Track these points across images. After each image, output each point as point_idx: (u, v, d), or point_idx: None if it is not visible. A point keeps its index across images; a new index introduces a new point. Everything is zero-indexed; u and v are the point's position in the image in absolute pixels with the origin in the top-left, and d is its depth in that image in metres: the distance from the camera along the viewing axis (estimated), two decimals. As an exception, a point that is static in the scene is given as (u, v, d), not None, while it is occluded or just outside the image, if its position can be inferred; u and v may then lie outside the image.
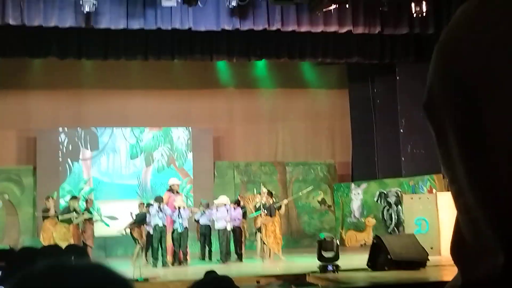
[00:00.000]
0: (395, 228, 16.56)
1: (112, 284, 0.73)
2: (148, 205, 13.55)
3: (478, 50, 0.67)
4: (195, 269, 12.13)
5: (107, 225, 14.36)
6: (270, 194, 13.63)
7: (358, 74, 18.21)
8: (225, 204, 13.37)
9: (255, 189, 15.41)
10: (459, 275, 0.75)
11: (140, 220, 13.12)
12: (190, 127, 18.12)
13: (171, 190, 13.48)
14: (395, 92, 16.69)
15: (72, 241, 12.55)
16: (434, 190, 13.93)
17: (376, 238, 10.45)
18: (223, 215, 13.20)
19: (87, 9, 12.39)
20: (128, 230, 13.33)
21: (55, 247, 1.78)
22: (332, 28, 14.15)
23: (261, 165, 18.34)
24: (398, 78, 16.60)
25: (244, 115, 18.86)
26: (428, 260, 10.08)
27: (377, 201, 17.21)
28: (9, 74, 17.13)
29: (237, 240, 13.44)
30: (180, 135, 18.08)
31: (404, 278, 8.91)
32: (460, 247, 0.75)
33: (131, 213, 13.80)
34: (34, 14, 12.86)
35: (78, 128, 17.60)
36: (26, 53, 14.95)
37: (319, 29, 14.14)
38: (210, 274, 7.08)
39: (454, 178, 0.72)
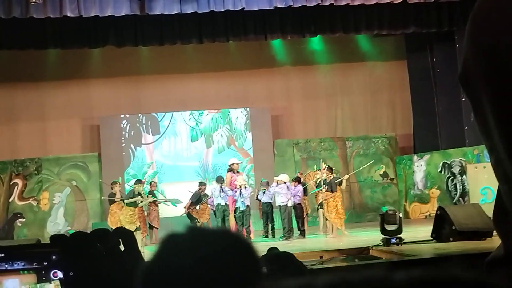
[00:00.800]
0: (460, 199, 16.26)
1: (240, 244, 0.83)
2: (201, 184, 13.76)
3: (509, 18, 0.66)
4: (259, 246, 12.25)
5: (175, 205, 14.66)
6: (330, 169, 13.59)
7: (416, 44, 17.84)
8: (285, 182, 13.44)
9: (315, 165, 15.39)
10: (502, 246, 0.75)
11: (196, 200, 13.35)
12: (248, 107, 18.22)
13: (231, 170, 13.63)
14: (455, 60, 16.28)
15: (138, 224, 12.90)
16: (499, 159, 13.51)
17: (440, 209, 10.29)
18: (283, 192, 13.28)
19: (140, -4, 12.59)
20: (186, 211, 13.59)
21: (103, 230, 1.87)
22: (387, -1, 13.91)
23: (320, 141, 18.28)
24: (457, 45, 16.19)
25: (302, 92, 18.80)
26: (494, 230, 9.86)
27: (440, 172, 16.91)
28: (70, 65, 17.62)
29: (299, 217, 13.50)
30: (239, 115, 18.20)
31: (470, 248, 8.77)
32: (501, 217, 0.75)
33: (189, 191, 14.03)
34: (90, 5, 13.17)
35: (139, 114, 17.97)
36: (85, 44, 15.34)
37: (373, 1, 13.92)
38: (272, 250, 7.17)
39: (492, 148, 0.72)
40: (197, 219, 13.27)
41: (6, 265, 1.50)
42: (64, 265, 1.39)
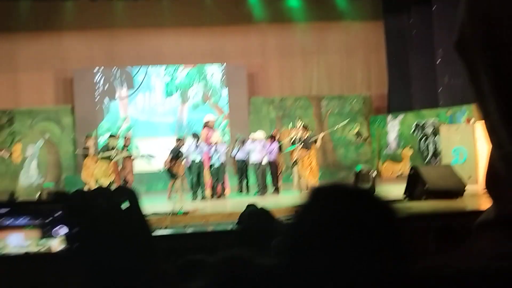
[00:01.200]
0: (432, 159, 16.51)
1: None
2: (179, 139, 13.75)
3: None
4: (233, 202, 12.37)
5: (148, 163, 14.63)
6: (305, 127, 13.65)
7: (393, 5, 17.83)
8: (261, 140, 13.48)
9: (290, 123, 15.45)
10: (492, 209, 0.77)
11: (175, 155, 13.34)
12: (224, 64, 18.10)
13: (207, 126, 13.60)
14: (431, 22, 16.34)
15: (112, 178, 12.89)
16: (471, 120, 13.76)
17: (413, 169, 10.45)
18: (259, 149, 13.34)
19: None
20: (166, 166, 13.58)
21: (106, 189, 1.88)
22: (366, -43, 13.80)
23: (296, 99, 18.31)
24: (434, 7, 16.21)
25: (278, 50, 18.72)
26: (465, 190, 10.08)
27: (413, 132, 17.12)
28: (42, 16, 17.27)
29: (274, 174, 13.60)
30: (214, 71, 18.10)
31: (441, 207, 8.95)
32: (493, 181, 0.77)
33: (169, 149, 14.04)
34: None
35: (114, 67, 17.74)
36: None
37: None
38: (251, 207, 7.24)
39: (486, 114, 0.74)
40: (176, 174, 13.28)
41: (11, 220, 1.50)
42: (68, 221, 1.40)
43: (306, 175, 13.17)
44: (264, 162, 13.34)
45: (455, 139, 13.37)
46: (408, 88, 17.71)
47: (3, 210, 1.44)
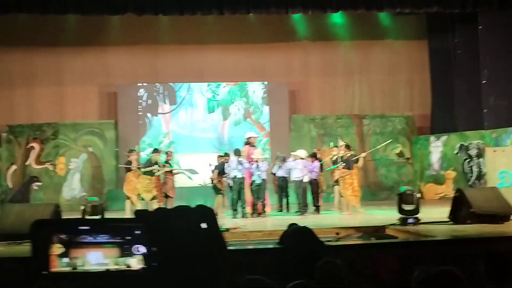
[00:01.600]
0: (476, 181, 16.19)
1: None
2: (226, 154, 13.78)
3: None
4: (274, 220, 12.31)
5: (190, 178, 14.69)
6: (347, 147, 13.52)
7: (438, 24, 17.66)
8: (302, 158, 13.42)
9: (331, 142, 15.34)
10: None
11: (221, 170, 13.37)
12: (266, 81, 18.14)
13: (248, 143, 13.60)
14: (477, 42, 16.10)
15: (154, 192, 12.95)
16: (518, 143, 13.47)
17: (458, 191, 10.23)
18: (300, 167, 13.27)
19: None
20: (211, 181, 13.61)
21: (186, 207, 1.88)
22: (412, -24, 13.69)
23: (337, 118, 18.21)
24: (480, 27, 15.97)
25: (320, 68, 18.69)
26: (512, 213, 9.82)
27: (457, 153, 16.83)
28: (89, 31, 17.60)
29: (315, 193, 13.50)
30: (256, 89, 18.15)
31: (487, 232, 8.73)
32: None
33: (210, 165, 14.08)
34: (113, -29, 13.06)
35: (156, 83, 17.95)
36: (105, 10, 15.21)
37: (398, -23, 13.71)
38: (292, 226, 7.17)
39: None
40: (221, 190, 13.29)
41: (90, 238, 1.50)
42: (147, 240, 1.39)
43: (348, 195, 13.03)
44: (305, 180, 13.26)
45: (501, 162, 13.08)
46: (452, 108, 17.45)
47: (83, 228, 1.45)
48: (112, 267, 1.50)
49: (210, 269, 0.92)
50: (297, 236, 4.63)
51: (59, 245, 1.48)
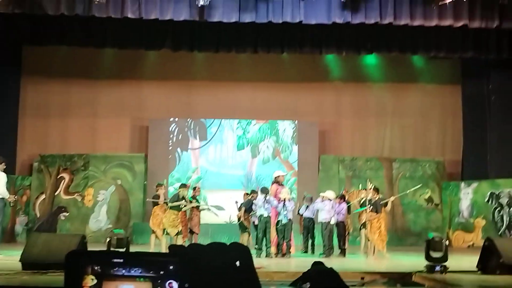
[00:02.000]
0: (506, 231, 15.87)
1: None
2: (253, 192, 13.77)
3: None
4: (298, 261, 12.17)
5: (217, 215, 14.69)
6: (376, 190, 13.39)
7: (472, 69, 17.55)
8: (330, 199, 13.32)
9: (360, 184, 15.24)
10: None
11: (247, 208, 13.34)
12: (296, 120, 18.18)
13: (276, 182, 13.57)
14: (511, 88, 15.97)
15: (180, 228, 12.93)
16: (551, 193, 13.22)
17: (488, 240, 10.01)
18: (327, 208, 13.16)
19: (201, 2, 12.73)
20: (237, 219, 13.58)
21: (221, 244, 1.86)
22: (447, 22, 13.72)
23: (367, 160, 18.11)
24: (515, 74, 15.88)
25: (352, 109, 18.68)
26: (544, 266, 9.57)
27: (487, 201, 16.56)
28: (125, 65, 17.94)
29: (341, 235, 13.34)
30: (286, 127, 18.19)
31: (517, 283, 8.51)
32: None
33: (236, 202, 14.05)
34: (151, 8, 13.36)
35: (188, 118, 18.11)
36: (142, 45, 15.54)
37: (433, 23, 13.76)
38: (318, 265, 7.09)
39: None
40: (247, 228, 13.25)
41: (124, 271, 1.50)
42: (180, 276, 1.38)
43: (375, 239, 12.86)
44: (332, 222, 13.13)
45: (533, 212, 12.82)
46: (484, 155, 17.22)
47: (117, 260, 1.45)
48: None
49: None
50: (322, 276, 4.57)
51: (92, 277, 1.48)
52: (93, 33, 14.86)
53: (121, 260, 1.53)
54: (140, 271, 1.55)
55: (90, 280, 1.51)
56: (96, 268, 1.50)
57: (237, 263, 1.32)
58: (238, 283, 1.01)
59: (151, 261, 1.52)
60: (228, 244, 1.64)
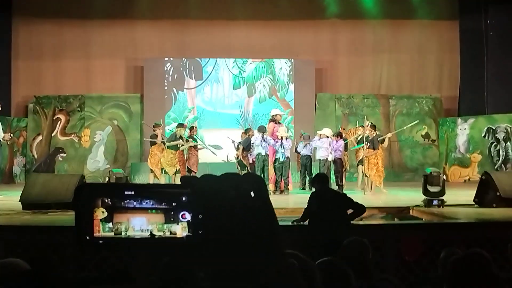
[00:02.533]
0: (502, 165, 16.01)
1: None
2: (247, 130, 13.78)
3: None
4: (296, 198, 12.29)
5: (215, 154, 14.69)
6: (373, 127, 13.40)
7: (470, 4, 17.31)
8: (327, 136, 13.34)
9: (356, 121, 15.25)
10: None
11: (246, 146, 13.37)
12: (292, 59, 18.03)
13: (274, 120, 13.55)
14: (510, 24, 15.81)
15: (178, 167, 12.99)
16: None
17: (485, 174, 10.09)
18: (325, 146, 13.20)
19: None
20: (236, 157, 13.62)
21: (235, 174, 1.83)
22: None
23: (363, 97, 18.07)
24: (514, 8, 15.67)
25: (348, 47, 18.51)
26: (540, 199, 9.69)
27: (484, 136, 16.63)
28: (118, 5, 17.63)
29: (338, 171, 13.43)
30: (283, 66, 18.05)
31: (513, 216, 8.63)
32: None
33: (233, 141, 14.06)
34: None
35: (183, 58, 17.93)
36: (135, -17, 15.22)
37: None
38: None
39: None
40: (247, 166, 13.30)
41: (135, 203, 1.48)
42: (193, 207, 1.37)
43: (372, 175, 12.95)
44: (330, 159, 13.19)
45: (530, 146, 12.88)
46: (481, 91, 17.18)
47: (128, 192, 1.43)
48: (156, 233, 1.49)
49: (261, 238, 0.89)
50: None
51: (102, 209, 1.47)
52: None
53: (132, 192, 1.51)
54: (151, 203, 1.54)
55: (101, 213, 1.50)
56: (106, 200, 1.49)
57: (252, 193, 1.30)
58: (253, 213, 0.99)
59: (163, 192, 1.50)
60: (242, 175, 1.62)
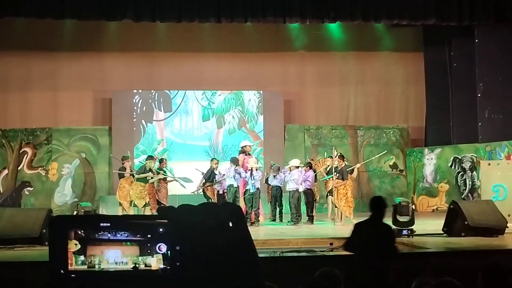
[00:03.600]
0: (469, 194, 16.22)
1: None
2: (214, 159, 13.79)
3: None
4: (267, 230, 12.27)
5: (184, 186, 14.61)
6: (342, 157, 13.52)
7: (433, 36, 17.70)
8: (297, 167, 13.40)
9: (325, 152, 15.36)
10: None
11: (208, 177, 13.33)
12: (261, 90, 18.14)
13: (243, 151, 13.58)
14: (472, 55, 16.17)
15: (147, 199, 12.89)
16: (512, 157, 13.51)
17: (453, 203, 10.24)
18: (295, 177, 13.24)
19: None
20: (201, 190, 13.55)
21: (213, 204, 1.81)
22: (409, -11, 13.75)
23: (332, 128, 18.23)
24: (476, 41, 16.05)
25: (316, 78, 18.71)
26: (507, 227, 9.84)
27: (451, 166, 16.86)
28: (85, 37, 17.57)
29: (309, 202, 13.46)
30: (251, 97, 18.14)
31: (481, 244, 8.74)
32: None
33: (202, 173, 14.02)
34: (111, -24, 13.04)
35: (152, 90, 17.91)
36: (102, 16, 15.19)
37: (396, -11, 13.77)
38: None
39: None
40: (211, 198, 13.23)
41: (109, 235, 1.45)
42: (170, 239, 1.34)
43: (342, 205, 13.01)
44: (301, 189, 13.23)
45: (495, 175, 13.09)
46: (447, 121, 17.49)
47: (102, 224, 1.40)
48: (131, 266, 1.46)
49: (241, 269, 0.88)
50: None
51: (75, 242, 1.43)
52: (50, 3, 14.43)
53: (107, 224, 1.48)
54: (126, 234, 1.51)
55: (74, 245, 1.46)
56: (79, 232, 1.46)
57: (230, 223, 1.29)
58: (231, 244, 0.98)
59: (138, 224, 1.47)
60: (219, 204, 1.60)
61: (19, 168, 16.97)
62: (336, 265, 5.05)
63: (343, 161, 13.46)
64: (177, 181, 14.44)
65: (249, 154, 13.62)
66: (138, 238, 1.46)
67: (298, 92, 18.73)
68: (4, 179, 16.89)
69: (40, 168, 17.02)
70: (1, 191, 16.81)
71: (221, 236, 0.97)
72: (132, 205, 12.89)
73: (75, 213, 10.25)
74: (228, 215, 1.01)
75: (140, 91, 17.85)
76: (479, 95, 15.94)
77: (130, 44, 17.81)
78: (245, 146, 13.63)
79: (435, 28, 16.72)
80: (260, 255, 5.96)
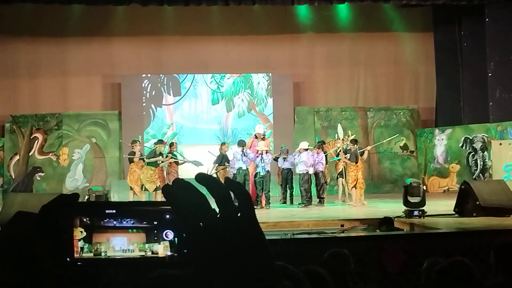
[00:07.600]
0: (480, 175, 16.15)
1: None
2: (223, 144, 13.76)
3: None
4: (277, 212, 12.28)
5: (198, 165, 14.55)
6: (354, 141, 13.48)
7: (444, 16, 17.53)
8: (307, 149, 13.37)
9: (335, 134, 15.31)
10: None
11: (219, 161, 13.33)
12: (270, 73, 18.08)
13: (256, 137, 13.58)
14: (483, 35, 16.02)
15: (158, 183, 12.92)
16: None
17: (464, 183, 10.19)
18: (304, 159, 13.22)
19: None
20: (214, 172, 13.57)
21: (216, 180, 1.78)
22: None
23: (341, 110, 18.16)
24: (487, 20, 15.88)
25: (325, 60, 18.61)
26: (519, 207, 9.79)
27: (461, 146, 16.78)
28: (93, 22, 17.53)
29: (319, 184, 13.46)
30: (260, 80, 18.09)
31: (493, 224, 8.70)
32: None
33: (209, 152, 13.99)
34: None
35: (161, 74, 17.89)
36: (110, 0, 15.18)
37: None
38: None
39: None
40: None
41: (115, 222, 1.43)
42: (177, 226, 1.32)
43: (352, 187, 13.00)
44: (311, 172, 13.21)
45: (507, 155, 13.03)
46: (457, 101, 17.37)
47: (108, 211, 1.38)
48: (137, 253, 1.44)
49: (247, 261, 0.87)
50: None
51: (81, 229, 1.42)
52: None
53: (112, 211, 1.47)
54: (132, 221, 1.49)
55: (79, 233, 1.45)
56: (85, 220, 1.45)
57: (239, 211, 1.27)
58: (239, 231, 0.97)
59: (144, 211, 1.45)
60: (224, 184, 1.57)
61: (30, 154, 17.06)
62: (346, 246, 5.04)
63: (355, 145, 13.39)
64: (188, 162, 14.42)
65: (263, 138, 13.59)
66: (144, 225, 1.45)
67: (307, 74, 18.64)
68: (15, 165, 16.99)
69: (51, 154, 17.10)
70: (13, 177, 16.91)
71: (228, 223, 0.96)
72: (143, 189, 12.93)
73: (86, 197, 10.29)
74: (237, 203, 1.00)
75: (149, 75, 17.85)
76: (489, 74, 15.81)
77: (138, 28, 17.77)
78: (258, 133, 13.60)
79: (445, 7, 16.57)
80: (272, 237, 6.03)
